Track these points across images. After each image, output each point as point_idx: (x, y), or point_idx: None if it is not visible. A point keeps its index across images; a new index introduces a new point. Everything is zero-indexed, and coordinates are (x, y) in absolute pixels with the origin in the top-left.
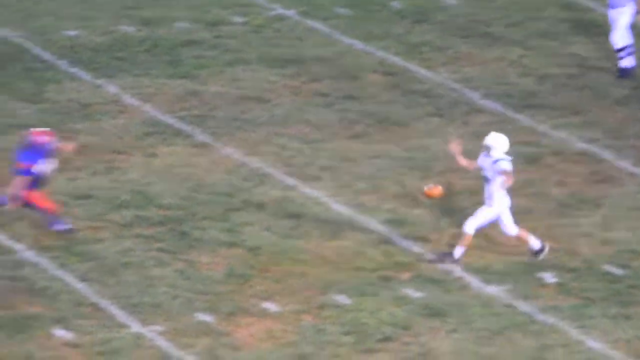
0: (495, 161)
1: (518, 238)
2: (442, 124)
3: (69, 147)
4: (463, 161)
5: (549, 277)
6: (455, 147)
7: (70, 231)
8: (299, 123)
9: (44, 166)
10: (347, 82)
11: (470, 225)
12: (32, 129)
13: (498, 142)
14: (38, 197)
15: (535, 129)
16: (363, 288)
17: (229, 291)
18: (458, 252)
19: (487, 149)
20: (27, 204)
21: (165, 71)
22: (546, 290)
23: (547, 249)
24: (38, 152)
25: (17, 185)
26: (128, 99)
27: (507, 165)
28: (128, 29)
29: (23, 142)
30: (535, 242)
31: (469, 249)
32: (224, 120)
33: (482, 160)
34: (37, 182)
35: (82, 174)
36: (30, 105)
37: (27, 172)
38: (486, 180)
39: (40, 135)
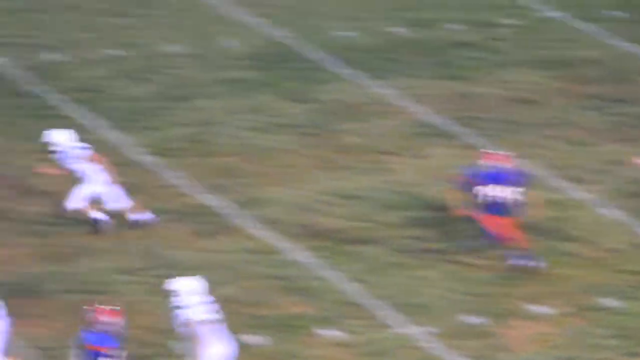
0: None
1: None
2: None
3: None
4: None
5: None
6: None
7: (537, 266)
8: (567, 125)
9: (494, 190)
10: (617, 85)
11: None
12: (486, 150)
13: None
14: (499, 224)
15: None
16: (631, 291)
17: (497, 293)
18: None
19: None
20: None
21: (435, 72)
22: None
23: None
24: (491, 174)
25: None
26: (397, 100)
27: None
28: (399, 30)
29: (481, 164)
30: None
31: None
32: (494, 122)
33: None
34: (495, 207)
35: (348, 174)
36: (298, 105)
37: (467, 186)
38: None
39: (496, 157)
